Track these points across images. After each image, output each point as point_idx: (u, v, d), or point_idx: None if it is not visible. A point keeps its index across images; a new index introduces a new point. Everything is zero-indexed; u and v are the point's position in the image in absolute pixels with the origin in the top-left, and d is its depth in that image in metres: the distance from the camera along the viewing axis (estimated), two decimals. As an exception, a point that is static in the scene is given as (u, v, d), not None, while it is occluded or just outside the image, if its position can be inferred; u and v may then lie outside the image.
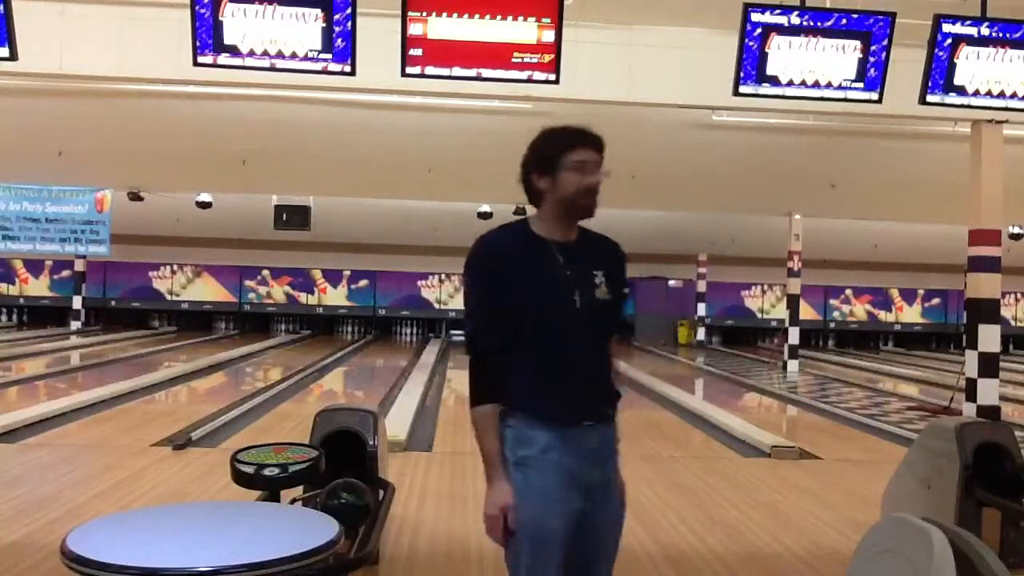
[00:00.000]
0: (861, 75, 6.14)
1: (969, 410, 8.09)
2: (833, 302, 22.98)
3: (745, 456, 7.45)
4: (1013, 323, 22.83)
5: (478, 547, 4.46)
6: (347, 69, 5.86)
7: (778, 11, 6.04)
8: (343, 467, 3.55)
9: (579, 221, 2.47)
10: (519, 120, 9.60)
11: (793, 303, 16.07)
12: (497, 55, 5.86)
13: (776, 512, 5.55)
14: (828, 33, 6.07)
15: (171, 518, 2.57)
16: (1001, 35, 6.08)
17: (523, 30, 5.85)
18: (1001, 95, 6.20)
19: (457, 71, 5.94)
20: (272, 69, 5.89)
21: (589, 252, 2.46)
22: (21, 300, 21.92)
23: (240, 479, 3.12)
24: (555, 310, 2.38)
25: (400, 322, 22.35)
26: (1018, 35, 6.09)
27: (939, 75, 6.09)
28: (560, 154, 2.39)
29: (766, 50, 6.04)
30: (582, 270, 2.42)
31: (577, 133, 2.43)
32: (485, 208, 16.14)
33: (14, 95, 9.43)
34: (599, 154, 2.43)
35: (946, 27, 6.03)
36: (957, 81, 6.12)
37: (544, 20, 5.83)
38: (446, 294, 21.99)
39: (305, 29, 5.81)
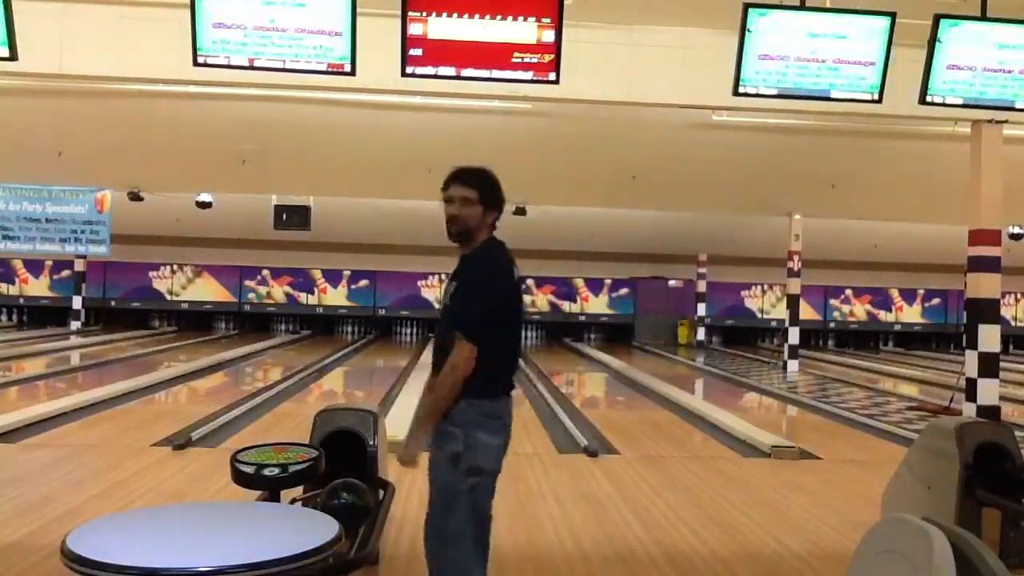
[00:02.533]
0: (861, 75, 6.12)
1: (969, 410, 8.09)
2: (833, 302, 22.97)
3: (745, 456, 7.45)
4: (1013, 323, 22.84)
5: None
6: (347, 69, 5.85)
7: (778, 11, 6.03)
8: (343, 467, 3.55)
9: (457, 243, 3.23)
10: (519, 120, 9.61)
11: (793, 303, 16.07)
12: (497, 55, 5.85)
13: (776, 512, 5.55)
14: (828, 33, 6.05)
15: (171, 518, 2.57)
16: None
17: (523, 30, 5.84)
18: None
19: (457, 71, 5.93)
20: (272, 69, 5.88)
21: (458, 267, 3.21)
22: (21, 300, 21.92)
23: (240, 479, 3.12)
24: None
25: (400, 322, 22.35)
26: (1018, 35, 6.07)
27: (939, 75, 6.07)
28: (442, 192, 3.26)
29: (766, 50, 6.02)
30: (449, 282, 3.23)
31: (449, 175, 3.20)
32: (485, 208, 16.11)
33: (14, 95, 9.42)
34: (453, 188, 3.23)
35: (946, 27, 6.02)
36: (957, 81, 6.10)
37: (544, 20, 5.83)
38: (446, 294, 21.97)
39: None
